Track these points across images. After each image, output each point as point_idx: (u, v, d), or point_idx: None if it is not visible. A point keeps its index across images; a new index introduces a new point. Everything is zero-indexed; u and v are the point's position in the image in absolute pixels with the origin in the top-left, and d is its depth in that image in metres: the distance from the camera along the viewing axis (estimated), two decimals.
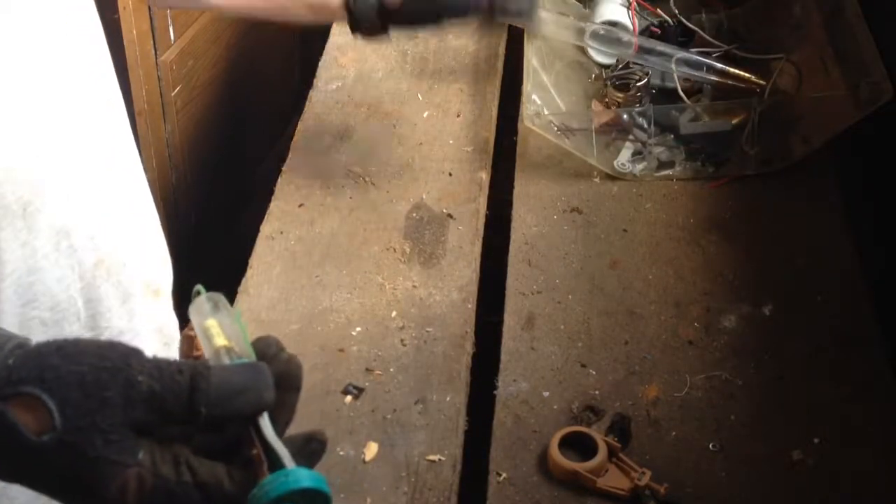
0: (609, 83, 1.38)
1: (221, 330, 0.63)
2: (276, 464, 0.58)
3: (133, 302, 0.95)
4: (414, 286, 1.19)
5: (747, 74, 1.35)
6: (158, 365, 0.58)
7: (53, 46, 0.85)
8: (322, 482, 0.57)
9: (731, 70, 1.35)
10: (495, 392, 1.06)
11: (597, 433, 0.98)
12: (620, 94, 1.36)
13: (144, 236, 0.98)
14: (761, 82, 1.34)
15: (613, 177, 1.31)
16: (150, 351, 0.61)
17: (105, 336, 0.92)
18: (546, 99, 1.33)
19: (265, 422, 0.60)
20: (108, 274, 0.91)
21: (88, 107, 0.91)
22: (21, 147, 0.82)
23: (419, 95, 1.47)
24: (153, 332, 1.00)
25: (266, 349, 0.61)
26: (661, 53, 1.35)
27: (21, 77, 0.82)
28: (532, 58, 1.35)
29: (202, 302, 0.64)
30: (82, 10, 0.90)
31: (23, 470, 0.58)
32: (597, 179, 1.32)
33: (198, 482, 0.58)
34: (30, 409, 0.56)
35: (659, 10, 1.44)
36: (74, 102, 0.89)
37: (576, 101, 1.37)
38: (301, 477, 0.57)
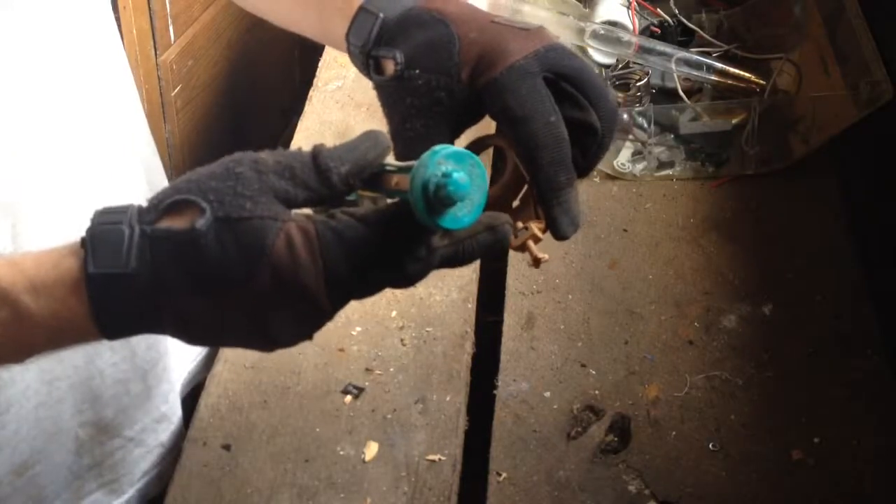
0: (609, 83, 1.38)
1: None
2: None
3: None
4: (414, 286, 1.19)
5: (747, 74, 1.35)
6: (278, 150, 0.61)
7: (59, 43, 0.86)
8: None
9: (731, 70, 1.35)
10: (495, 392, 1.06)
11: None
12: (620, 94, 1.36)
13: None
14: (761, 82, 1.34)
15: (613, 177, 1.31)
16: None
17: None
18: None
19: (392, 161, 0.63)
20: None
21: (97, 107, 0.91)
22: (7, 146, 0.82)
23: None
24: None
25: None
26: (661, 53, 1.35)
27: (17, 77, 0.82)
28: None
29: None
30: (95, 8, 0.90)
31: (193, 273, 0.57)
32: (597, 179, 1.32)
33: (358, 217, 0.59)
34: (177, 216, 0.58)
35: (659, 10, 1.44)
36: (80, 104, 0.89)
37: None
38: (449, 146, 0.59)
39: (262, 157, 0.60)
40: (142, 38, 1.59)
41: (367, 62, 0.73)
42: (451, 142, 0.71)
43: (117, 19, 1.51)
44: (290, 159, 0.60)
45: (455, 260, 0.63)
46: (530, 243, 0.69)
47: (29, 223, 0.84)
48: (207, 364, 1.14)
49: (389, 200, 0.63)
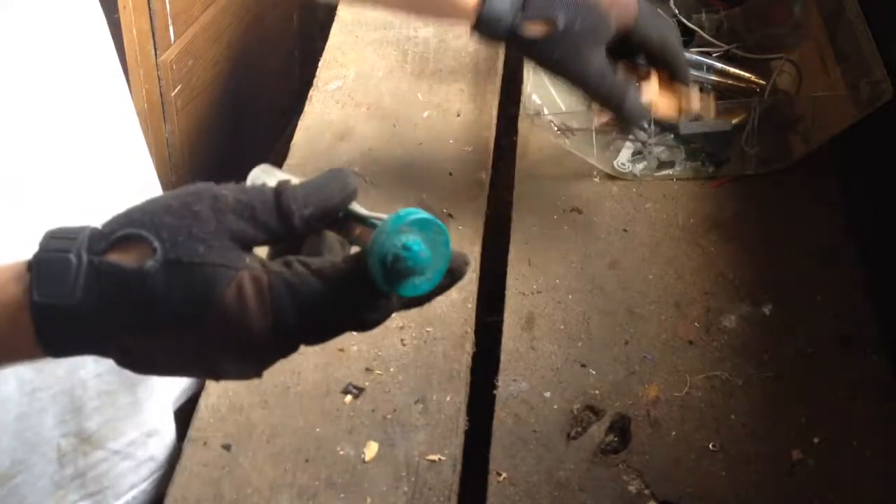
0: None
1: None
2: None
3: None
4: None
5: (747, 74, 1.35)
6: (240, 185, 0.60)
7: (52, 44, 0.85)
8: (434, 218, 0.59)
9: (731, 70, 1.35)
10: (495, 392, 1.06)
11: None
12: None
13: None
14: (761, 82, 1.34)
15: (613, 177, 1.31)
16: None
17: None
18: (546, 99, 1.33)
19: (358, 207, 0.62)
20: None
21: (88, 107, 0.91)
22: (8, 147, 0.82)
23: (419, 95, 1.47)
24: None
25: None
26: None
27: (14, 77, 0.82)
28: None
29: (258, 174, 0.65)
30: (84, 9, 0.90)
31: (139, 313, 0.56)
32: (597, 179, 1.32)
33: (314, 270, 0.58)
34: (127, 250, 0.57)
35: (659, 11, 1.43)
36: (72, 103, 0.88)
37: (576, 101, 1.37)
38: (414, 211, 0.58)
39: (223, 194, 0.58)
40: (142, 38, 1.59)
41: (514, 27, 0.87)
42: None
43: (117, 20, 1.51)
44: (252, 198, 0.59)
45: (414, 305, 0.63)
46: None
47: (17, 223, 0.84)
48: (201, 380, 1.14)
49: (353, 249, 0.63)
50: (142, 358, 0.59)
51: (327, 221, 0.61)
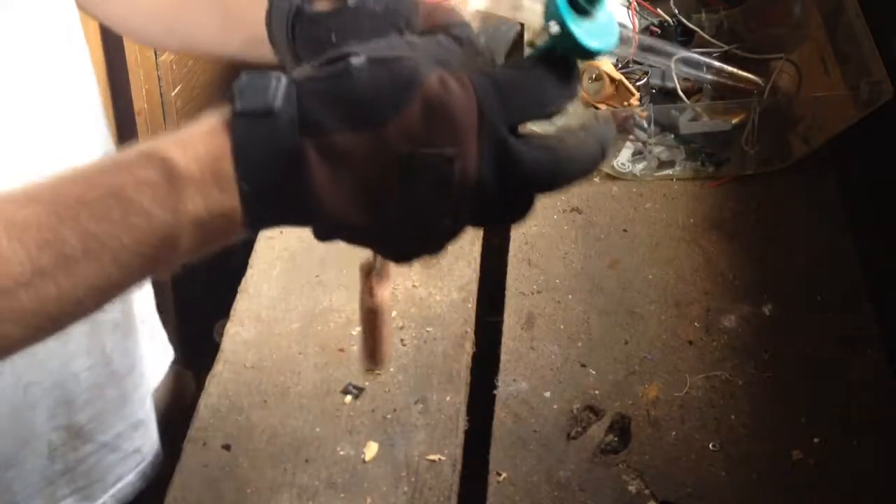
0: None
1: None
2: None
3: None
4: (414, 286, 1.19)
5: (747, 74, 1.35)
6: None
7: (24, 45, 0.84)
8: None
9: (731, 70, 1.35)
10: (495, 392, 1.06)
11: None
12: None
13: None
14: (761, 82, 1.34)
15: (613, 176, 1.31)
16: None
17: None
18: None
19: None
20: None
21: (54, 108, 0.89)
22: None
23: None
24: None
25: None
26: (661, 53, 1.35)
27: None
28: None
29: None
30: (61, 11, 0.89)
31: (348, 103, 0.55)
32: (597, 179, 1.32)
33: (506, 66, 0.58)
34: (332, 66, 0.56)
35: (659, 10, 1.44)
36: (40, 103, 0.87)
37: (576, 101, 1.37)
38: None
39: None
40: None
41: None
42: None
43: None
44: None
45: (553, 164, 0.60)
46: None
47: None
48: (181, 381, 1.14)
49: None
50: (340, 166, 0.55)
51: None
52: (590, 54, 0.59)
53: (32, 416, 0.92)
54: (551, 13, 0.58)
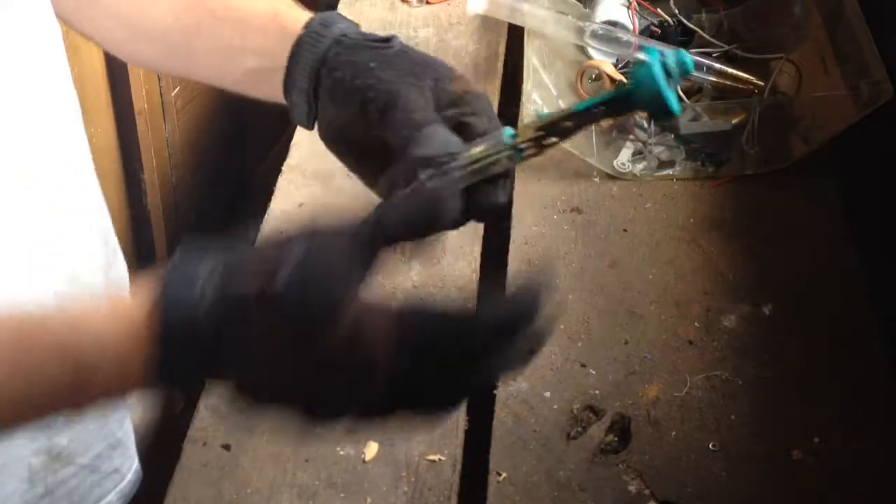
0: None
1: None
2: None
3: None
4: (414, 286, 1.19)
5: (747, 74, 1.35)
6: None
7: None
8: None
9: (731, 70, 1.35)
10: (495, 392, 1.06)
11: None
12: None
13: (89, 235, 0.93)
14: (761, 83, 1.34)
15: (613, 176, 1.31)
16: None
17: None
18: (546, 98, 1.33)
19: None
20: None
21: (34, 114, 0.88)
22: None
23: None
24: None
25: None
26: None
27: None
28: (532, 57, 1.35)
29: None
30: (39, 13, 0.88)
31: (271, 308, 0.57)
32: (597, 179, 1.32)
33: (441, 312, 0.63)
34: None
35: (659, 10, 1.44)
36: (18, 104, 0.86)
37: (576, 101, 1.37)
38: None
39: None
40: None
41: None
42: None
43: None
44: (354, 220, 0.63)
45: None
46: None
47: None
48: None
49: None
50: (258, 382, 0.59)
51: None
52: (667, 116, 0.64)
53: (11, 441, 0.91)
54: (644, 75, 0.62)
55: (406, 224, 0.63)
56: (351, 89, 0.70)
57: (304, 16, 0.75)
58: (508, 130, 0.65)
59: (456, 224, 0.64)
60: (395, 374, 0.58)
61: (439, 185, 0.62)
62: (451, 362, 0.60)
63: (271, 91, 0.78)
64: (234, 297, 0.57)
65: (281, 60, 0.74)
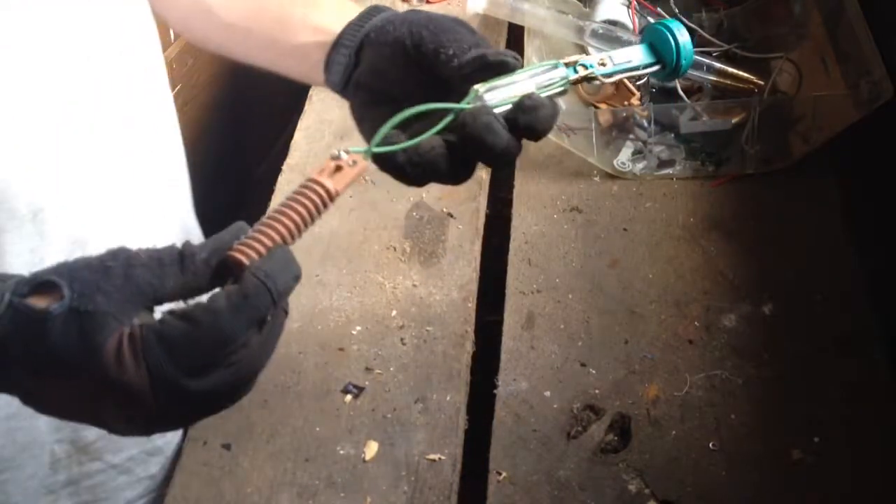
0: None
1: None
2: None
3: None
4: (414, 285, 1.19)
5: (747, 74, 1.35)
6: (158, 247, 0.63)
7: (89, 43, 0.85)
8: None
9: (731, 69, 1.35)
10: (495, 391, 1.06)
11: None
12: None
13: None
14: (761, 82, 1.34)
15: (613, 176, 1.31)
16: None
17: None
18: None
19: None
20: None
21: (125, 111, 0.90)
22: (37, 151, 0.81)
23: None
24: None
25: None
26: None
27: (43, 77, 0.81)
28: (532, 56, 1.35)
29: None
30: (133, 7, 0.91)
31: (32, 353, 0.59)
32: (597, 178, 1.32)
33: (180, 315, 0.60)
34: (45, 295, 0.60)
35: (659, 10, 1.44)
36: (107, 106, 0.88)
37: (576, 101, 1.37)
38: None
39: (137, 253, 0.62)
40: None
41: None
42: None
43: None
44: (162, 252, 0.62)
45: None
46: None
47: (55, 228, 0.84)
48: None
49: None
50: (37, 400, 0.63)
51: (222, 263, 0.64)
52: (676, 71, 0.77)
53: (33, 425, 0.91)
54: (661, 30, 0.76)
55: (485, 130, 0.68)
56: (401, 25, 0.76)
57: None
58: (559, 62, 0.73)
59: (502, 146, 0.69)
60: (158, 392, 0.60)
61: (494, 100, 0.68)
62: (205, 366, 0.62)
63: (309, 68, 0.83)
64: (22, 309, 0.60)
65: (334, 35, 0.81)
